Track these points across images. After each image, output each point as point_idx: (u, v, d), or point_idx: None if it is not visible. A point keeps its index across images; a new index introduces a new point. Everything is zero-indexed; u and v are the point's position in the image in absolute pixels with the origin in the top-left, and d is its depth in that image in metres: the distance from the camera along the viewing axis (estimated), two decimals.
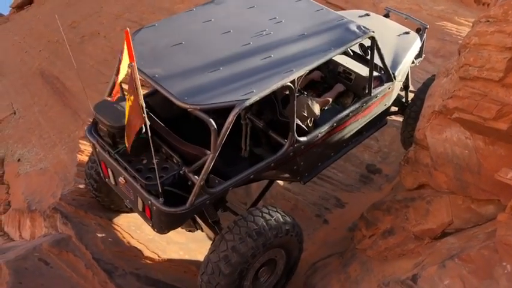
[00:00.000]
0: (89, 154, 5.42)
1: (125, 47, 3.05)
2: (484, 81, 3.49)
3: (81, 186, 5.41)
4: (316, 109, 4.62)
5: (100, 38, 8.61)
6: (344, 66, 5.25)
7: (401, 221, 4.51)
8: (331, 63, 5.32)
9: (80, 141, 6.42)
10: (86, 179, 5.02)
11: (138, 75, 3.15)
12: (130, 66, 3.09)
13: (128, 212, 5.30)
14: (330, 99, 4.95)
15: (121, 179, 4.02)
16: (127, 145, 3.48)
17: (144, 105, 3.26)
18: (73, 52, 7.66)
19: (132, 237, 5.08)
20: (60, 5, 11.56)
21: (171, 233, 5.41)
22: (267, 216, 4.06)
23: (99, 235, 4.89)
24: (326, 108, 4.91)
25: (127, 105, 3.31)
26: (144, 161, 3.93)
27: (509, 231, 3.16)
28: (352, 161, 6.84)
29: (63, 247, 4.68)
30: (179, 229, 5.17)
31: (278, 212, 4.16)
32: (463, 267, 3.34)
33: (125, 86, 4.19)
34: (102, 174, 4.47)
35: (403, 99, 5.79)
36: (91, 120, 4.35)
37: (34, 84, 9.30)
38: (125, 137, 3.48)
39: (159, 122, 4.09)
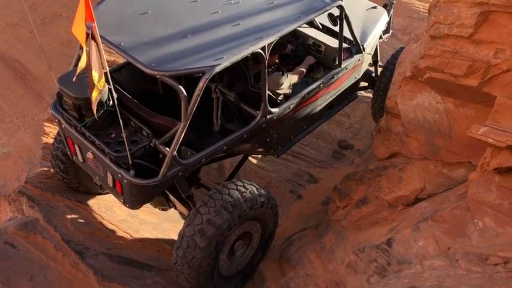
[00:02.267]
0: (54, 136, 5.21)
1: (81, 5, 2.76)
2: (454, 38, 3.50)
3: (47, 168, 5.20)
4: (288, 83, 4.53)
5: (62, 19, 8.25)
6: (314, 38, 5.21)
7: (374, 189, 4.55)
8: (301, 36, 5.28)
9: (45, 123, 6.17)
10: (52, 160, 4.84)
11: (99, 37, 2.98)
12: (89, 26, 2.84)
13: (97, 194, 5.15)
14: (304, 70, 4.90)
15: (89, 154, 3.86)
16: (93, 109, 3.27)
17: (107, 70, 3.12)
18: (34, 34, 7.35)
19: (103, 218, 4.93)
20: None
21: (144, 214, 5.34)
22: (242, 189, 4.01)
23: (68, 217, 4.72)
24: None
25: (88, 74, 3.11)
26: (113, 135, 3.80)
27: (480, 188, 3.21)
28: (324, 138, 6.87)
29: (30, 230, 4.50)
30: (152, 209, 5.08)
31: (253, 185, 4.11)
32: (437, 228, 3.39)
33: None
34: (69, 152, 4.31)
35: (373, 74, 5.82)
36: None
37: None
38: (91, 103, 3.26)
39: (127, 95, 3.96)
